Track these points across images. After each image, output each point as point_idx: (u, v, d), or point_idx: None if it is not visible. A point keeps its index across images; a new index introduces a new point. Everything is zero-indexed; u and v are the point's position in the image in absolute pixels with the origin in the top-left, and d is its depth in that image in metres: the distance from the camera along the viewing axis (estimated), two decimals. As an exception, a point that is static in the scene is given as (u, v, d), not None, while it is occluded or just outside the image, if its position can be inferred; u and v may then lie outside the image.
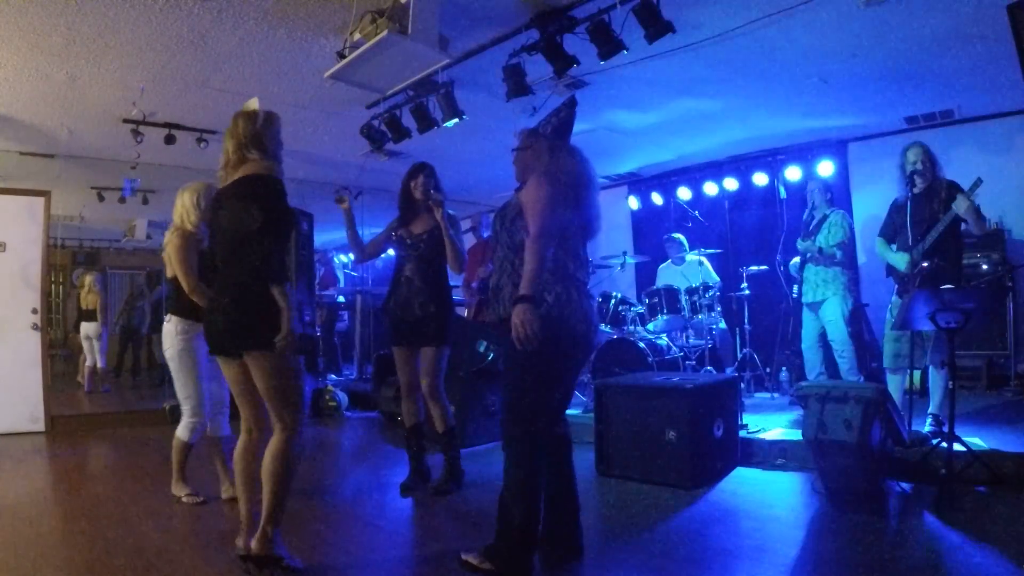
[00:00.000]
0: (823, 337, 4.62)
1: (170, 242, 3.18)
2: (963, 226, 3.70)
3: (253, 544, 2.30)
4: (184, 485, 3.36)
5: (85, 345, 7.87)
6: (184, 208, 3.23)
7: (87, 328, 7.81)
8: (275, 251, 2.32)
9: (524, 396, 2.29)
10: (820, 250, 4.50)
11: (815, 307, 4.60)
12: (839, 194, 5.60)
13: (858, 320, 4.56)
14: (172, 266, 3.16)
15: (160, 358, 5.44)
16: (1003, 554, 2.41)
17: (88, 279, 7.97)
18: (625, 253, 5.95)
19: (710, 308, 5.37)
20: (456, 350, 4.07)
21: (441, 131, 4.86)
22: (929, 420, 3.72)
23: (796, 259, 4.77)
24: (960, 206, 3.48)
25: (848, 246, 4.43)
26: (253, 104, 2.51)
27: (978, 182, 3.49)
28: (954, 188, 3.60)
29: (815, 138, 6.09)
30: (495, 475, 2.88)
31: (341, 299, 8.60)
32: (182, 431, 3.30)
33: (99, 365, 7.86)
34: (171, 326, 3.24)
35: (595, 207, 2.46)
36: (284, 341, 2.27)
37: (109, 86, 4.58)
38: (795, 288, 4.81)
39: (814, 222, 4.67)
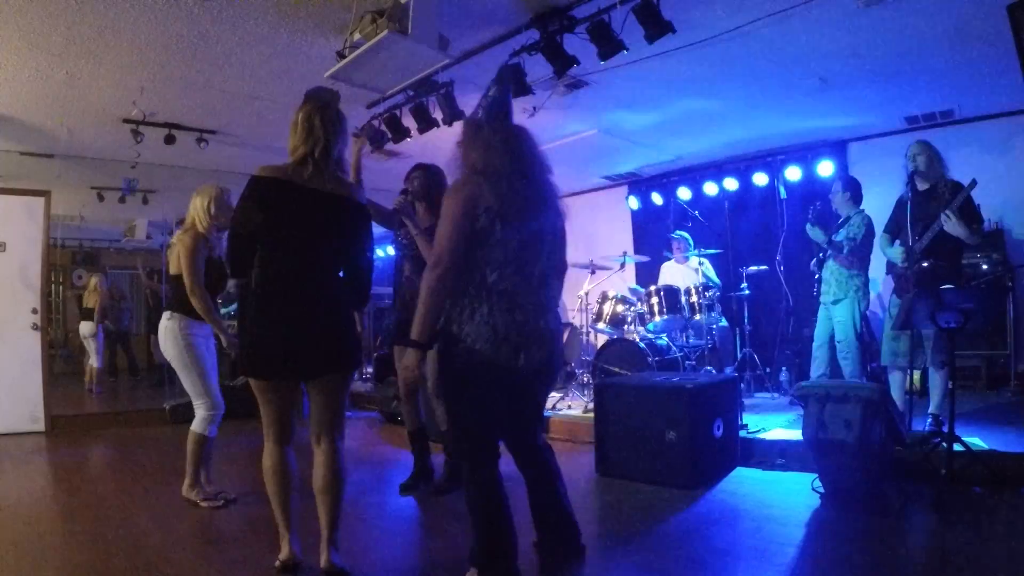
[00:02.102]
0: (834, 337, 4.61)
1: (181, 241, 3.19)
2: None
3: (336, 558, 2.25)
4: (200, 488, 3.26)
5: (85, 344, 7.94)
6: (196, 211, 3.24)
7: (85, 328, 7.87)
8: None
9: (455, 420, 2.22)
10: (830, 241, 4.47)
11: (830, 307, 4.59)
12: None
13: (867, 323, 4.55)
14: (178, 264, 3.17)
15: (159, 358, 5.45)
16: (1003, 554, 2.41)
17: (93, 280, 8.02)
18: (625, 253, 5.95)
19: (710, 308, 5.37)
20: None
21: (441, 131, 4.86)
22: (929, 420, 3.73)
23: (815, 260, 4.74)
24: (948, 224, 3.49)
25: (862, 245, 4.40)
26: (335, 99, 2.35)
27: (973, 183, 3.50)
28: (957, 188, 3.60)
29: (815, 138, 6.09)
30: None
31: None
32: (200, 425, 3.23)
33: (95, 365, 7.88)
34: (173, 323, 3.21)
35: (547, 191, 2.23)
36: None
37: (109, 86, 4.58)
38: (815, 287, 4.78)
39: (839, 222, 4.65)
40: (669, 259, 6.38)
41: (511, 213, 2.11)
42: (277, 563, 2.29)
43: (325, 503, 2.28)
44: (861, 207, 4.55)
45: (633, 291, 5.89)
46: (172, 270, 3.25)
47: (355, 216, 2.34)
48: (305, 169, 2.23)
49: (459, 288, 2.11)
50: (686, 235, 6.20)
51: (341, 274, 2.34)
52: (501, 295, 2.10)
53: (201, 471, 3.29)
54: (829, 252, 4.52)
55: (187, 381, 3.24)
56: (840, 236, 4.47)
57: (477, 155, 2.18)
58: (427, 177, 3.48)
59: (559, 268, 2.35)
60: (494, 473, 2.18)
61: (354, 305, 2.40)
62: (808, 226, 4.63)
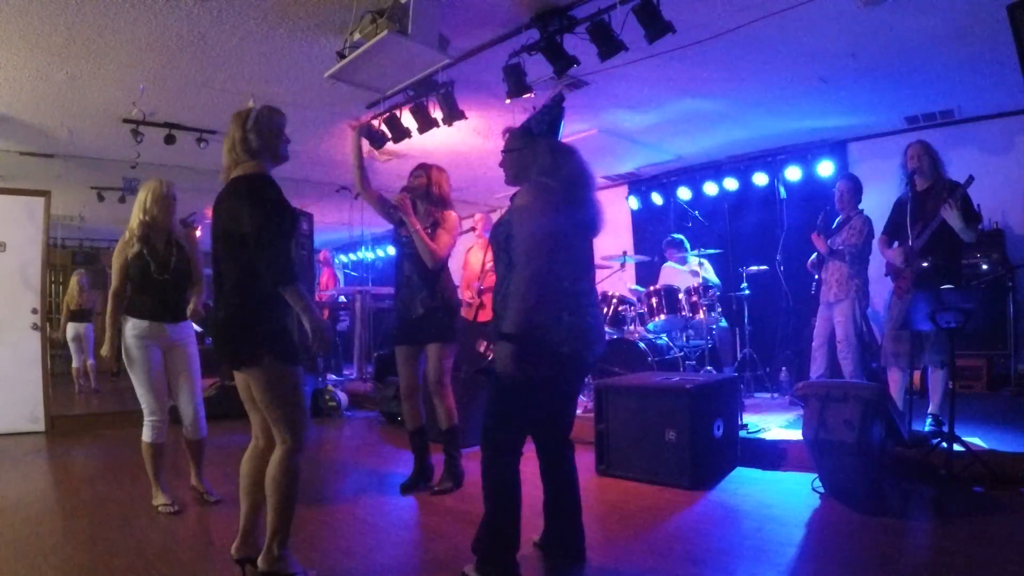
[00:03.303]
0: (833, 337, 4.61)
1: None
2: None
3: (260, 562, 2.24)
4: (162, 493, 3.19)
5: (74, 346, 7.77)
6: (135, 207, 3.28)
7: (73, 329, 7.72)
8: (279, 252, 2.15)
9: (503, 412, 2.27)
10: (832, 251, 4.49)
11: (829, 306, 4.60)
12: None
13: (867, 323, 4.56)
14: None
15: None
16: (1003, 554, 2.41)
17: (74, 279, 7.87)
18: (625, 253, 5.95)
19: (710, 308, 5.37)
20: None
21: (441, 131, 4.86)
22: (929, 420, 3.73)
23: (814, 255, 4.76)
24: (948, 214, 3.49)
25: (863, 249, 4.41)
26: (247, 106, 2.50)
27: (970, 179, 3.50)
28: (955, 188, 3.60)
29: (815, 138, 6.09)
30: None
31: (342, 299, 8.61)
32: (144, 433, 3.18)
33: (81, 364, 7.79)
34: (123, 324, 3.20)
35: (595, 204, 2.38)
36: (319, 343, 2.22)
37: (109, 86, 4.58)
38: (813, 286, 4.79)
39: (837, 221, 4.66)
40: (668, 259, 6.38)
41: (580, 219, 2.29)
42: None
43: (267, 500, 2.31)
44: (860, 207, 4.55)
45: (633, 291, 5.89)
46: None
47: (234, 193, 2.26)
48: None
49: (542, 293, 2.18)
50: (682, 237, 6.20)
51: (234, 260, 2.25)
52: (576, 298, 2.26)
53: (195, 470, 3.32)
54: (830, 257, 4.53)
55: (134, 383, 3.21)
56: (840, 242, 4.48)
57: (544, 163, 2.29)
58: (430, 176, 3.48)
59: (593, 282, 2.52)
60: (517, 464, 2.26)
61: (261, 286, 2.19)
62: (814, 236, 4.65)
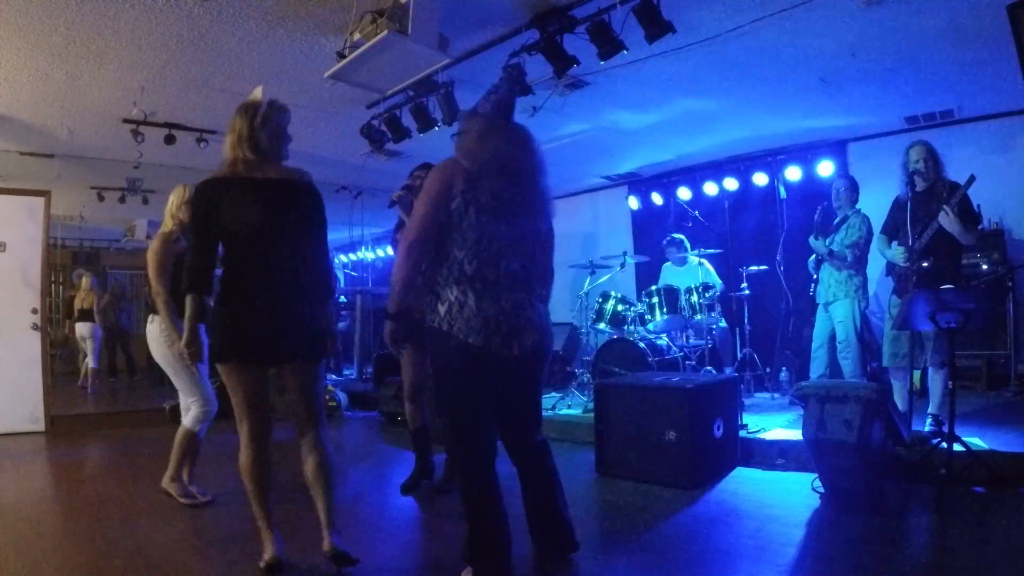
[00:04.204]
0: (833, 338, 4.62)
1: (151, 243, 3.24)
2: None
3: (337, 540, 2.33)
4: (181, 484, 3.27)
5: (82, 345, 7.92)
6: (168, 208, 3.27)
7: (83, 328, 7.84)
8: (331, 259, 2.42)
9: (451, 420, 2.21)
10: (831, 252, 4.49)
11: (828, 307, 4.60)
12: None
13: (867, 323, 4.56)
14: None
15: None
16: (1003, 554, 2.41)
17: (85, 280, 8.00)
18: (625, 253, 5.95)
19: (710, 308, 5.36)
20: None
21: (441, 131, 4.86)
22: (929, 420, 3.72)
23: (813, 257, 4.76)
24: (945, 220, 3.49)
25: (862, 249, 4.41)
26: (256, 94, 2.48)
27: (971, 179, 3.50)
28: (955, 188, 3.60)
29: (815, 138, 6.09)
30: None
31: (342, 299, 8.60)
32: (192, 422, 3.24)
33: (92, 365, 7.88)
34: (155, 327, 3.22)
35: (526, 187, 2.21)
36: (333, 347, 2.44)
37: (109, 86, 4.58)
38: (812, 287, 4.79)
39: (835, 221, 4.65)
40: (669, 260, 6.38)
41: (487, 203, 2.12)
42: (262, 564, 2.30)
43: (319, 492, 2.37)
44: (858, 207, 4.55)
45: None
46: (150, 273, 3.25)
47: (304, 198, 2.41)
48: (239, 165, 2.34)
49: (439, 280, 2.15)
50: (682, 237, 6.20)
51: (296, 260, 2.36)
52: (482, 285, 2.11)
53: (184, 467, 3.31)
54: (828, 259, 4.54)
55: (177, 381, 3.25)
56: (839, 243, 4.48)
57: (466, 142, 2.22)
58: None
59: (544, 274, 2.35)
60: (490, 475, 2.18)
61: (318, 293, 2.40)
62: (811, 238, 4.65)
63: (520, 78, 2.44)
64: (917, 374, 4.37)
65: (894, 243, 3.88)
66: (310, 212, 2.39)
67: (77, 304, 8.07)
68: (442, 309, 2.12)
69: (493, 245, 2.13)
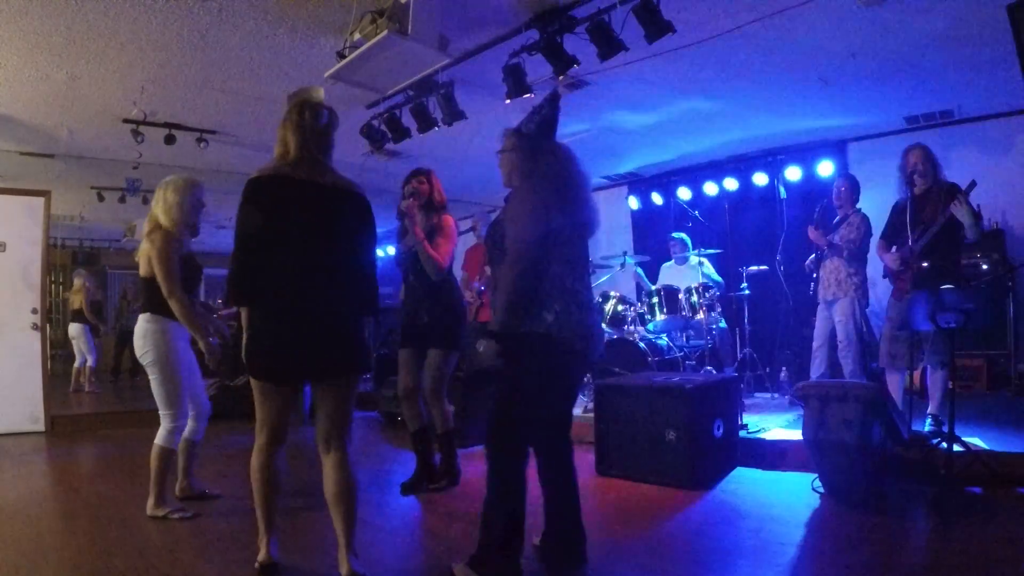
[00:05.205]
0: (833, 337, 4.62)
1: (150, 241, 3.01)
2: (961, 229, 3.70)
3: (356, 565, 2.21)
4: (165, 503, 3.04)
5: (74, 345, 7.88)
6: (167, 205, 3.04)
7: (73, 329, 7.82)
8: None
9: (512, 411, 2.26)
10: (830, 244, 4.48)
11: (828, 306, 4.60)
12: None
13: (867, 322, 4.55)
14: (148, 266, 3.00)
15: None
16: (1003, 554, 2.41)
17: (78, 280, 7.97)
18: (625, 253, 5.95)
19: (710, 308, 5.37)
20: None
21: (441, 131, 4.86)
22: (929, 420, 3.73)
23: (812, 256, 4.75)
24: (958, 210, 3.48)
25: (861, 246, 4.41)
26: (319, 95, 2.31)
27: (972, 184, 3.50)
28: (954, 190, 3.60)
29: (815, 138, 6.09)
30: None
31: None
32: (164, 438, 3.02)
33: (88, 366, 7.85)
34: (153, 325, 3.02)
35: (589, 205, 2.38)
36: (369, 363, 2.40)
37: (109, 86, 4.58)
38: (811, 286, 4.78)
39: (835, 220, 4.66)
40: (669, 259, 6.38)
41: (576, 218, 2.31)
42: (256, 565, 2.29)
43: (339, 512, 2.24)
44: (858, 206, 4.55)
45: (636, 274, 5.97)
46: (143, 272, 3.06)
47: (355, 208, 2.29)
48: (300, 165, 2.22)
49: (544, 291, 2.22)
50: (684, 236, 6.20)
51: (345, 274, 2.26)
52: (577, 296, 2.28)
53: (168, 484, 3.11)
54: (827, 252, 4.53)
55: (159, 388, 3.04)
56: (839, 238, 4.47)
57: (541, 163, 2.31)
58: (431, 183, 3.50)
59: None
60: (524, 466, 2.27)
61: (360, 308, 2.32)
62: (811, 229, 4.64)
63: (557, 100, 2.50)
64: (917, 374, 4.37)
65: (892, 248, 3.88)
66: (363, 224, 2.29)
67: (70, 305, 8.05)
68: (549, 318, 2.20)
69: (580, 258, 2.36)
